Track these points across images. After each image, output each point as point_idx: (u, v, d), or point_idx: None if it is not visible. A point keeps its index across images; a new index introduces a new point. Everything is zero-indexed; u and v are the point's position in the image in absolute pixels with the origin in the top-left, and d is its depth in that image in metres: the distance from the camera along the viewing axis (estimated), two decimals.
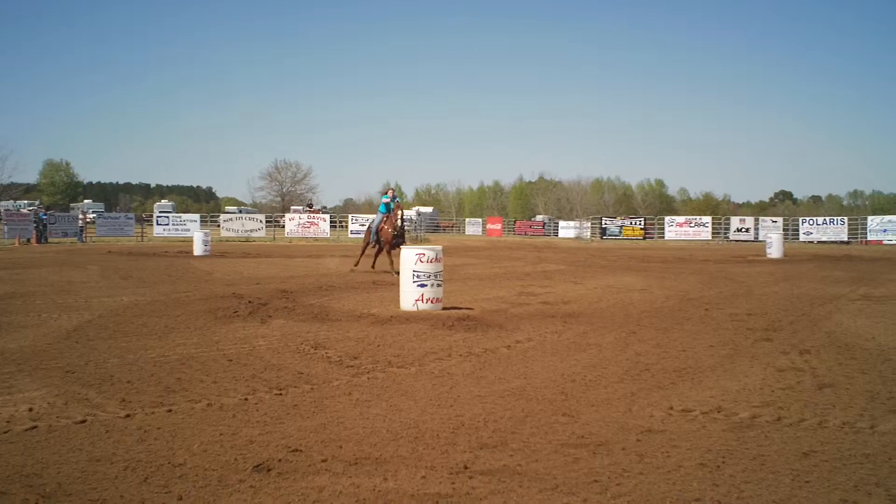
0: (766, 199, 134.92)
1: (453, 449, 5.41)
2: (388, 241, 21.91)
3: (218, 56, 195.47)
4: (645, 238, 59.81)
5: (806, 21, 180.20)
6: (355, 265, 23.23)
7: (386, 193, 23.64)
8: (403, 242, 21.71)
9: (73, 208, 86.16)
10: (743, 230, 57.63)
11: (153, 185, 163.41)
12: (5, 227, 44.35)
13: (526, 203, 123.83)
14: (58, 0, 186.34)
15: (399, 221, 21.82)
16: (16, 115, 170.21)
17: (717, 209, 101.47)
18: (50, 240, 44.44)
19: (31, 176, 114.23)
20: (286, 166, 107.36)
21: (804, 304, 14.56)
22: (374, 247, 22.82)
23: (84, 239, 47.13)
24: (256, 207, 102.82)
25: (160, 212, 74.14)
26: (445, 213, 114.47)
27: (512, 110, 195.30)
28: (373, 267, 22.55)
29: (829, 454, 5.32)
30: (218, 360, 8.61)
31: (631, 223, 63.04)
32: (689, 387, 7.49)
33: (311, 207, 71.15)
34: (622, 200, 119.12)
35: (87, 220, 52.48)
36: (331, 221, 57.75)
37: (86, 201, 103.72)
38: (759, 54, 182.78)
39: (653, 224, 62.13)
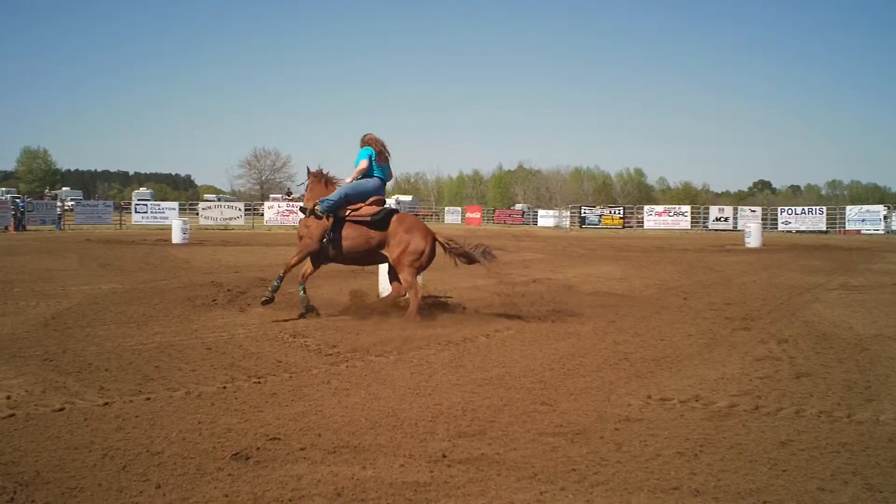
0: (745, 189, 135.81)
1: (432, 437, 5.41)
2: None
3: (197, 44, 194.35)
4: (624, 227, 60.09)
5: (784, 11, 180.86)
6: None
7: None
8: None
9: (49, 195, 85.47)
10: (722, 219, 57.98)
11: (131, 172, 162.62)
12: None
13: (505, 192, 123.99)
14: None
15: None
16: None
17: (697, 198, 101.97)
18: (28, 227, 44.14)
19: (8, 163, 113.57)
20: (265, 154, 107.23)
21: (782, 293, 14.65)
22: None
23: (62, 227, 46.83)
24: (235, 195, 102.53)
25: (138, 199, 73.73)
26: (424, 201, 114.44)
27: (491, 99, 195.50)
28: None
29: (806, 443, 5.35)
30: (196, 349, 8.57)
31: (610, 212, 63.30)
32: (668, 376, 7.52)
33: (290, 196, 70.76)
34: (601, 189, 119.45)
35: (66, 207, 52.05)
36: None
37: (64, 189, 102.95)
38: (739, 44, 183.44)
39: (632, 213, 62.36)
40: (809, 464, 4.92)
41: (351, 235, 10.98)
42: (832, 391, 6.92)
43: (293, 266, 11.17)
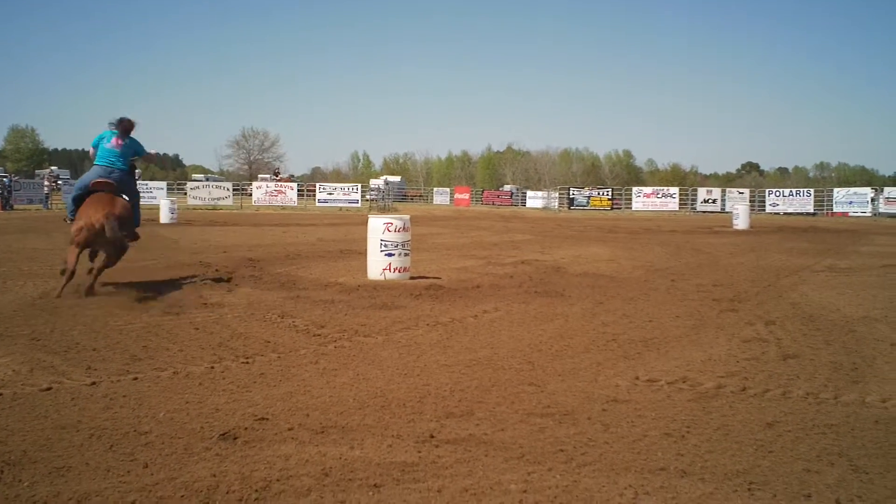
0: (734, 171, 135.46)
1: (420, 418, 5.42)
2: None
3: (185, 23, 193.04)
4: (612, 209, 60.14)
5: None
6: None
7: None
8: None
9: (38, 175, 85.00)
10: (710, 201, 58.12)
11: None
12: None
13: (494, 173, 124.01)
14: None
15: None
16: None
17: (685, 180, 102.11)
18: (15, 206, 43.88)
19: None
20: (254, 134, 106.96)
21: (770, 275, 14.68)
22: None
23: (49, 206, 46.56)
24: (223, 175, 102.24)
25: None
26: (413, 182, 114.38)
27: (481, 80, 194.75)
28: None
29: (792, 424, 5.37)
30: (184, 329, 8.55)
31: (598, 194, 63.43)
32: (655, 357, 7.54)
33: (277, 176, 70.65)
34: (590, 171, 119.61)
35: (55, 185, 51.60)
36: (298, 190, 57.55)
37: (52, 168, 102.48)
38: (726, 26, 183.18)
39: (620, 195, 62.43)
40: (796, 445, 4.94)
41: None
42: (819, 373, 6.94)
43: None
